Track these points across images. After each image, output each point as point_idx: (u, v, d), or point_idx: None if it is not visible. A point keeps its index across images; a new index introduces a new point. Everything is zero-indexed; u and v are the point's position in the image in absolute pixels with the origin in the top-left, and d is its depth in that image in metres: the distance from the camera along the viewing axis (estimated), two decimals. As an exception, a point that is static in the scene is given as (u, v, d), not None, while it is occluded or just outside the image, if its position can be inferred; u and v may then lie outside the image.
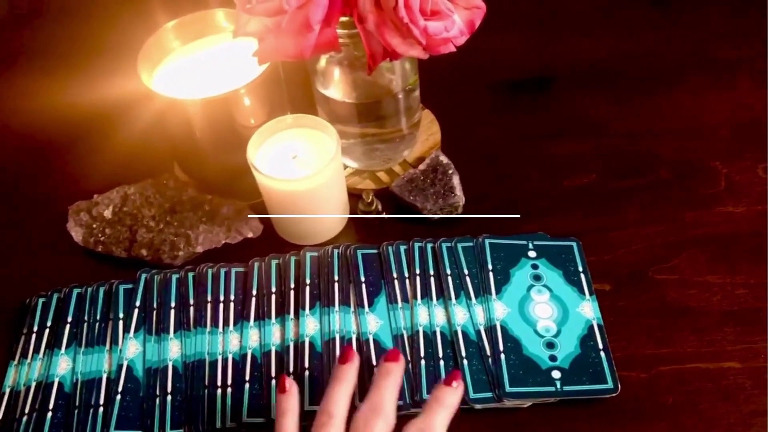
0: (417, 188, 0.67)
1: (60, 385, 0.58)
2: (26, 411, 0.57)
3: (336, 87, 0.65)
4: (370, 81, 0.64)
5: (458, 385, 0.49)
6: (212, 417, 0.55)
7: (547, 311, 0.59)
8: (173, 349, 0.59)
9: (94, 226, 0.66)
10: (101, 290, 0.63)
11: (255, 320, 0.60)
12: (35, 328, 0.62)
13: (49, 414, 0.57)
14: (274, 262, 0.64)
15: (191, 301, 0.62)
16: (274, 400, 0.55)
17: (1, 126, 0.81)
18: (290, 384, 0.50)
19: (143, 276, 0.63)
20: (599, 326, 0.58)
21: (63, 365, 0.59)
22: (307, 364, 0.57)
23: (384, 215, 0.67)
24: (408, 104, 0.67)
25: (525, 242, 0.64)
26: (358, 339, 0.59)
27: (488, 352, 0.57)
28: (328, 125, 0.62)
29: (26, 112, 0.80)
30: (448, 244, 0.64)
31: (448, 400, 0.48)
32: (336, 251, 0.64)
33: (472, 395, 0.55)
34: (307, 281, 0.62)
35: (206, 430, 0.55)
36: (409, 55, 0.54)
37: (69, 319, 0.62)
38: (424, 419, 0.47)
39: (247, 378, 0.57)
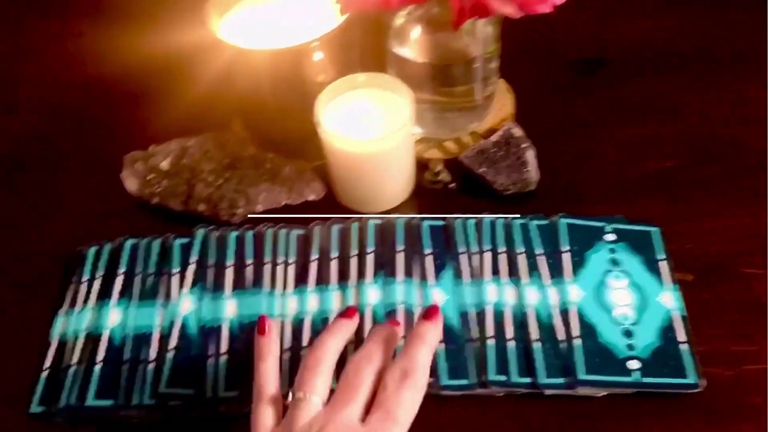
0: (488, 160, 0.63)
1: (110, 338, 0.56)
2: (73, 362, 0.55)
3: (412, 47, 0.61)
4: (447, 44, 0.61)
5: (438, 320, 0.46)
6: (267, 382, 0.53)
7: (625, 298, 0.56)
8: (229, 309, 0.57)
9: (150, 177, 0.64)
10: (155, 243, 0.61)
11: (315, 285, 0.58)
12: (85, 278, 0.60)
13: (98, 366, 0.54)
14: (335, 228, 0.61)
15: (249, 261, 0.59)
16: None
17: (64, 72, 0.79)
18: (270, 326, 0.48)
19: (200, 232, 0.61)
20: (682, 317, 0.54)
21: (113, 318, 0.57)
22: (367, 334, 0.54)
23: (451, 186, 0.64)
24: (485, 74, 0.63)
25: (602, 225, 0.60)
26: (422, 313, 0.56)
27: (561, 337, 0.54)
28: (404, 87, 0.59)
29: (92, 60, 0.78)
30: (521, 222, 0.60)
31: (428, 336, 0.45)
32: (401, 221, 0.61)
33: (542, 380, 0.52)
34: (370, 249, 0.59)
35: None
36: (501, 12, 0.50)
37: (121, 271, 0.59)
38: (408, 358, 0.44)
39: (304, 344, 0.55)
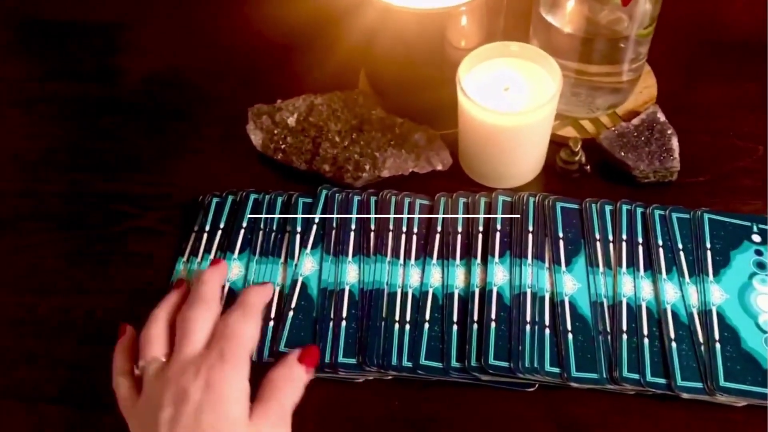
0: (629, 144, 0.60)
1: (231, 290, 0.56)
2: (194, 310, 0.55)
3: (562, 15, 0.58)
4: (600, 17, 0.57)
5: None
6: (388, 352, 0.52)
7: (772, 305, 0.52)
8: (351, 273, 0.55)
9: (276, 132, 0.63)
10: (279, 200, 0.60)
11: (438, 258, 0.56)
12: (207, 228, 0.59)
13: (271, 324, 0.54)
14: (461, 201, 0.59)
15: (372, 227, 0.58)
16: (453, 343, 0.51)
17: (208, 19, 0.78)
18: (223, 263, 0.54)
19: (324, 192, 0.60)
20: (837, 332, 0.51)
21: (235, 271, 0.57)
22: (493, 315, 0.52)
23: (587, 168, 0.61)
24: (635, 53, 0.59)
25: (749, 224, 0.56)
26: (551, 299, 0.53)
27: (701, 339, 0.51)
28: (552, 61, 0.56)
29: (237, 10, 0.77)
30: (661, 212, 0.57)
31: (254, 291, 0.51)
32: (532, 199, 0.58)
33: (679, 383, 0.49)
34: (498, 227, 0.57)
35: (380, 365, 0.51)
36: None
37: (244, 225, 0.59)
38: (240, 298, 0.50)
39: (427, 318, 0.53)
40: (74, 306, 0.57)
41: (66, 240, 0.61)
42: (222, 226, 0.59)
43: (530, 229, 0.56)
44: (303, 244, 0.57)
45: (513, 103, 0.56)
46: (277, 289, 0.55)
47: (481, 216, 0.57)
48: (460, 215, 0.58)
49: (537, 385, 0.51)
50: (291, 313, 0.54)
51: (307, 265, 0.56)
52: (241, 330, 0.47)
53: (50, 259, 0.60)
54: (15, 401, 0.53)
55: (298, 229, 0.58)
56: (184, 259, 0.58)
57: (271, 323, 0.54)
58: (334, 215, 0.58)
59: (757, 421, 0.48)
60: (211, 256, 0.57)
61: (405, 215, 0.58)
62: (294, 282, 0.55)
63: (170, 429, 0.42)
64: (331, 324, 0.53)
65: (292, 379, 0.47)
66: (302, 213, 0.59)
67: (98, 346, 0.55)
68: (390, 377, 0.52)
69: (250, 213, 0.59)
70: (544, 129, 0.58)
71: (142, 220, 0.62)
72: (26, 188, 0.65)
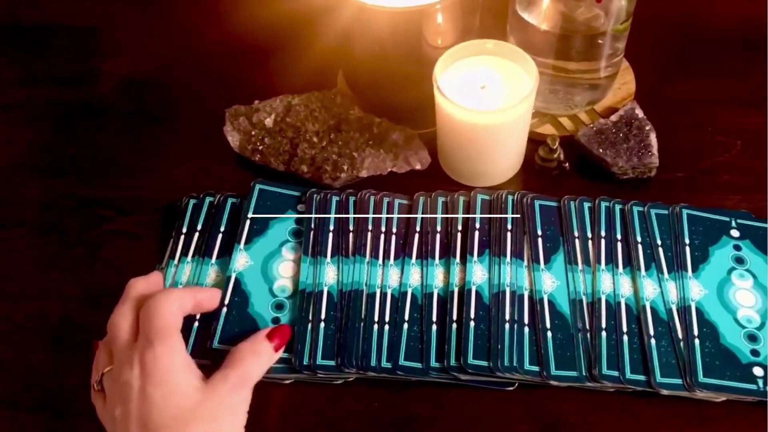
0: (608, 141, 0.60)
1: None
2: (172, 315, 0.54)
3: (539, 12, 0.58)
4: (577, 14, 0.57)
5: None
6: (367, 353, 0.51)
7: (750, 299, 0.52)
8: (329, 274, 0.55)
9: (253, 133, 0.62)
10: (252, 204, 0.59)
11: (417, 258, 0.56)
12: (184, 230, 0.59)
13: (196, 324, 0.53)
14: (440, 200, 0.59)
15: (351, 227, 0.57)
16: (432, 343, 0.51)
17: (183, 21, 0.77)
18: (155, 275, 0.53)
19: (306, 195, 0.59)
20: (815, 326, 0.51)
21: (212, 275, 0.56)
22: (473, 314, 0.52)
23: (565, 166, 0.60)
24: (612, 49, 0.59)
25: (728, 219, 0.56)
26: (531, 297, 0.53)
27: (680, 335, 0.51)
28: (528, 58, 0.55)
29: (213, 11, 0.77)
30: (640, 209, 0.57)
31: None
32: (510, 197, 0.58)
33: (659, 379, 0.49)
34: (477, 225, 0.57)
35: (360, 366, 0.51)
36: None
37: (222, 229, 0.58)
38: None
39: (406, 318, 0.53)
40: (50, 312, 0.57)
41: (42, 245, 0.61)
42: (199, 228, 0.59)
43: (509, 227, 0.56)
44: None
45: (490, 101, 0.56)
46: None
47: (460, 216, 0.57)
48: (439, 215, 0.58)
49: (517, 384, 0.51)
50: (227, 312, 0.54)
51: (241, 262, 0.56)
52: (161, 307, 0.47)
53: (26, 264, 0.60)
54: (-5, 410, 0.53)
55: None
56: (163, 263, 0.58)
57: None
58: (312, 215, 0.58)
59: (737, 417, 0.48)
60: (189, 259, 0.57)
61: (384, 215, 0.58)
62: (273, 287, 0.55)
63: (125, 425, 0.43)
64: (309, 326, 0.53)
65: (258, 352, 0.48)
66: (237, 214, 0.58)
67: (75, 353, 0.54)
68: (370, 378, 0.51)
69: (227, 217, 0.59)
70: (522, 127, 0.58)
71: (119, 224, 0.61)
72: (1, 194, 0.64)
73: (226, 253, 0.57)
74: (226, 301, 0.53)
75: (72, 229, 0.61)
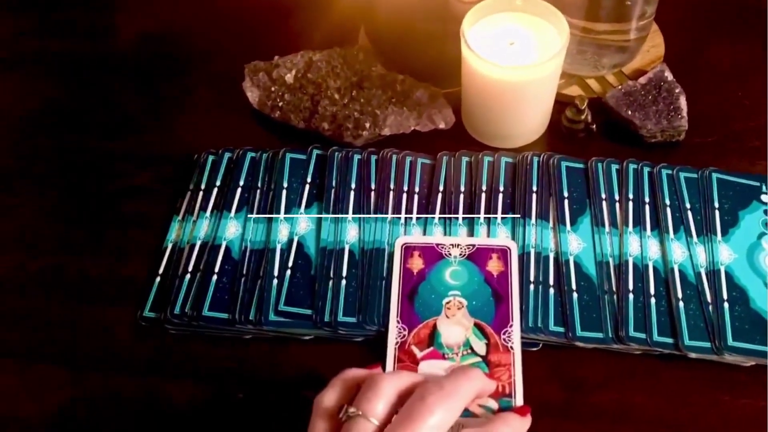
0: (636, 103, 0.58)
1: (227, 249, 0.54)
2: (189, 269, 0.53)
3: (570, -30, 0.56)
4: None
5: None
6: (389, 311, 0.50)
7: (781, 265, 0.51)
8: (351, 233, 0.54)
9: (273, 89, 0.61)
10: (277, 158, 0.58)
11: (440, 217, 0.55)
12: (203, 186, 0.58)
13: (215, 277, 0.53)
14: (464, 160, 0.57)
15: (373, 186, 0.56)
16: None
17: None
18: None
19: (315, 152, 0.58)
20: None
21: (232, 229, 0.55)
22: (497, 275, 0.51)
23: (592, 128, 0.59)
24: (643, 11, 0.58)
25: (758, 184, 0.55)
26: (556, 259, 0.52)
27: (709, 299, 0.50)
28: (559, 14, 0.54)
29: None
30: (669, 172, 0.55)
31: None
32: (536, 159, 0.57)
33: (687, 342, 0.48)
34: (501, 187, 0.55)
35: (381, 324, 0.50)
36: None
37: (241, 183, 0.57)
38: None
39: (429, 278, 0.52)
40: (66, 265, 0.56)
41: (57, 200, 0.60)
42: (218, 184, 0.58)
43: (534, 188, 0.55)
44: (299, 204, 0.56)
45: (518, 58, 0.54)
46: (276, 247, 0.54)
47: (484, 175, 0.56)
48: (463, 175, 0.56)
49: (541, 345, 0.50)
50: (289, 272, 0.53)
51: (303, 224, 0.55)
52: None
53: (41, 218, 0.59)
54: (9, 360, 0.52)
55: (296, 187, 0.57)
56: (180, 217, 0.57)
57: (272, 282, 0.52)
58: (333, 174, 0.57)
59: (764, 381, 0.48)
60: (207, 214, 0.56)
61: (406, 174, 0.57)
62: (291, 241, 0.54)
63: None
64: (330, 283, 0.52)
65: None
66: (300, 172, 0.57)
67: (92, 305, 0.54)
68: (391, 337, 0.51)
69: (246, 171, 0.58)
70: (550, 85, 0.56)
71: (135, 179, 0.60)
72: (15, 148, 0.63)
73: (244, 207, 0.56)
74: (290, 264, 0.53)
75: (88, 183, 0.60)
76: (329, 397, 0.41)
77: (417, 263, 0.52)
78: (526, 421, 0.43)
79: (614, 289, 0.51)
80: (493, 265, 0.51)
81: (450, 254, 0.52)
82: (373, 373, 0.42)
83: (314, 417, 0.41)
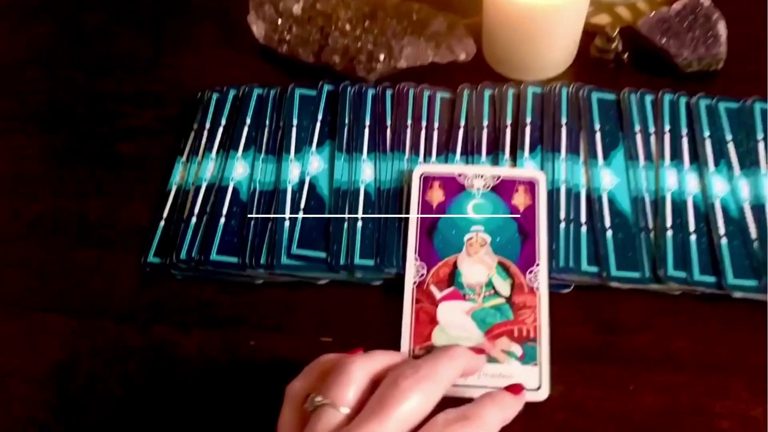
0: (671, 30, 0.54)
1: (235, 191, 0.51)
2: (195, 212, 0.50)
3: None
4: None
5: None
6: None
7: (830, 199, 0.48)
8: (366, 172, 0.51)
9: (280, 22, 0.57)
10: (285, 95, 0.54)
11: (462, 155, 0.51)
12: (207, 125, 0.54)
13: (222, 220, 0.50)
14: (487, 92, 0.53)
15: (388, 122, 0.53)
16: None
17: None
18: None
19: (325, 87, 0.54)
20: None
21: (239, 170, 0.52)
22: (524, 213, 0.48)
23: (624, 57, 0.55)
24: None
25: (805, 114, 0.51)
26: (588, 195, 0.49)
27: (753, 235, 0.46)
28: (590, -71, 0.50)
29: None
30: (708, 102, 0.52)
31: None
32: (565, 90, 0.53)
33: (731, 280, 0.45)
34: (528, 120, 0.52)
35: (401, 267, 0.47)
36: None
37: (248, 121, 0.54)
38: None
39: (451, 217, 0.49)
40: (66, 210, 0.53)
41: (55, 142, 0.56)
42: (223, 123, 0.54)
43: (563, 121, 0.51)
44: (310, 142, 0.52)
45: (545, -20, 0.50)
46: (288, 188, 0.50)
47: (509, 109, 0.52)
48: (486, 108, 0.53)
49: (573, 287, 0.47)
50: (303, 214, 0.49)
51: (315, 164, 0.51)
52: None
53: (39, 162, 0.55)
54: (6, 309, 0.49)
55: (306, 125, 0.53)
56: (183, 158, 0.53)
57: (284, 224, 0.49)
58: (346, 111, 0.53)
59: (814, 321, 0.44)
60: (213, 154, 0.52)
61: (424, 109, 0.53)
62: (302, 182, 0.50)
63: None
64: (345, 225, 0.49)
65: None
66: (311, 108, 0.54)
67: (92, 251, 0.51)
68: (411, 280, 0.47)
69: (253, 109, 0.54)
70: (578, 12, 0.52)
71: (135, 120, 0.57)
72: (7, 88, 0.60)
73: (252, 146, 0.52)
74: (302, 206, 0.50)
75: (86, 125, 0.57)
76: (298, 384, 0.38)
77: (437, 195, 0.48)
78: (519, 401, 0.39)
79: (651, 225, 0.47)
80: (520, 199, 0.48)
81: (473, 186, 0.48)
82: (343, 357, 0.38)
83: (284, 406, 0.37)
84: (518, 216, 0.47)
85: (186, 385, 0.45)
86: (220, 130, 0.54)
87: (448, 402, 0.36)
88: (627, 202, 0.48)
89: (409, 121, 0.53)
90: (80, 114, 0.57)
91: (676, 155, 0.49)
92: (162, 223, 0.51)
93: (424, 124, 0.52)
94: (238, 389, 0.45)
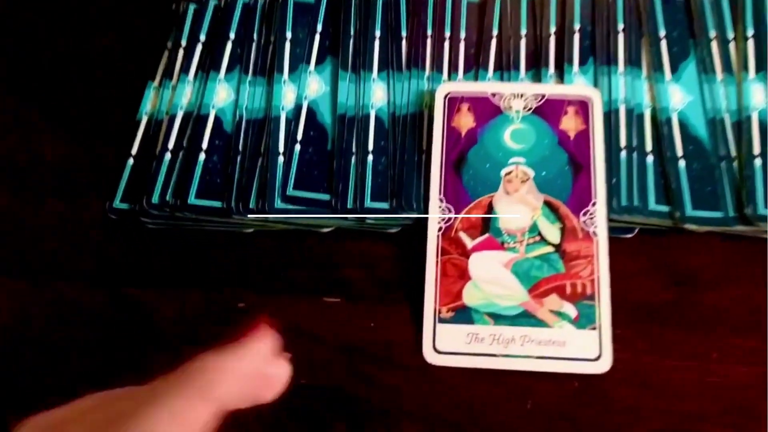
0: None
1: (217, 120, 0.42)
2: (170, 147, 0.41)
3: None
4: None
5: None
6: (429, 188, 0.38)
7: None
8: (377, 94, 0.41)
9: None
10: (276, 3, 0.45)
11: (495, 71, 0.42)
12: (183, 43, 0.45)
13: (202, 156, 0.41)
14: (524, -5, 0.44)
15: (403, 33, 0.43)
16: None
17: None
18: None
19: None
20: None
21: (222, 95, 0.43)
22: (574, 141, 0.39)
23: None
24: None
25: None
26: (654, 117, 0.39)
27: None
28: None
29: None
30: (801, -1, 0.42)
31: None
32: (620, -10, 0.43)
33: (836, 219, 0.36)
34: (576, 27, 0.42)
35: (422, 209, 0.38)
36: None
37: (231, 36, 0.44)
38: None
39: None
40: (17, 149, 0.44)
41: (8, 71, 0.47)
42: (203, 39, 0.45)
43: (620, 27, 0.41)
44: (307, 59, 0.43)
45: None
46: (281, 116, 0.41)
47: (552, 13, 0.42)
48: (524, 14, 0.43)
49: (637, 230, 0.38)
50: (300, 148, 0.40)
51: (313, 86, 0.42)
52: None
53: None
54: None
55: (301, 39, 0.43)
56: (155, 83, 0.44)
57: (278, 159, 0.40)
58: (350, 20, 0.43)
59: None
60: (190, 77, 0.43)
61: (448, 17, 0.43)
62: (299, 107, 0.41)
63: None
64: (353, 159, 0.39)
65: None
66: (307, 19, 0.44)
67: (49, 198, 0.42)
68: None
69: (238, 22, 0.44)
70: None
71: (98, 39, 0.47)
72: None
73: (237, 66, 0.43)
74: (299, 137, 0.41)
75: (40, 46, 0.47)
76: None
77: (466, 120, 0.39)
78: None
79: (734, 153, 0.38)
80: (570, 123, 0.38)
81: (511, 108, 0.39)
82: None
83: None
84: (568, 144, 0.38)
85: (162, 356, 0.37)
86: (199, 47, 0.44)
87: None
88: (702, 125, 0.39)
89: (430, 31, 0.43)
90: (33, 33, 0.48)
91: (762, 65, 0.40)
92: (130, 161, 0.42)
93: (447, 34, 0.43)
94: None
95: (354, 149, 0.40)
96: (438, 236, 0.37)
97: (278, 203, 0.39)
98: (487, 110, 0.39)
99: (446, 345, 0.35)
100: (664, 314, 0.36)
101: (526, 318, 0.35)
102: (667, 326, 0.35)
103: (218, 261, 0.39)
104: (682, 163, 0.38)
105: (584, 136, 0.38)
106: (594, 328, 0.35)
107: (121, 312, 0.39)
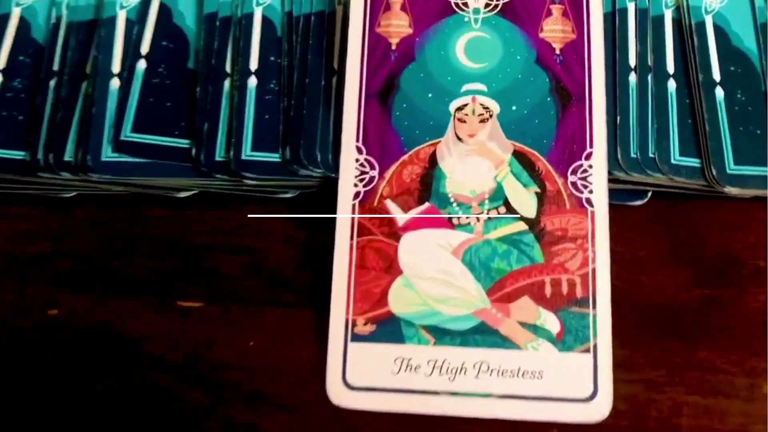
0: None
1: (24, 23, 0.28)
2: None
3: None
4: None
5: None
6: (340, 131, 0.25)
7: None
8: (264, -18, 0.28)
9: None
10: None
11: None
12: None
13: (-3, 79, 0.27)
14: None
15: None
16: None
17: None
18: None
19: None
20: None
21: (27, -16, 0.29)
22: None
23: None
24: None
25: None
26: (679, 21, 0.27)
27: None
28: None
29: None
30: None
31: None
32: None
33: None
34: None
35: (329, 162, 0.25)
36: None
37: None
38: None
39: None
40: None
41: None
42: None
43: None
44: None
45: None
46: (119, 17, 0.27)
47: None
48: None
49: (650, 194, 0.25)
50: (145, 65, 0.27)
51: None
52: None
53: None
54: None
55: None
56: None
57: (111, 84, 0.26)
58: None
59: None
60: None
61: None
62: (148, 3, 0.27)
63: None
64: (226, 85, 0.26)
65: None
66: None
67: None
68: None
69: None
70: None
71: None
72: None
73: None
74: (144, 50, 0.28)
75: None
76: None
77: (398, 24, 0.26)
78: None
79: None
80: (553, 27, 0.25)
81: (467, 4, 0.26)
82: None
83: None
84: (552, 62, 0.25)
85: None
86: None
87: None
88: (751, 34, 0.26)
89: None
90: None
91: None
92: None
93: None
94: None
95: (228, 68, 0.26)
96: (353, 205, 0.24)
97: (108, 152, 0.26)
98: (431, 8, 0.26)
99: (362, 377, 0.23)
100: (693, 324, 0.24)
101: (483, 334, 0.23)
102: (697, 342, 0.24)
103: (29, 237, 0.26)
104: (719, 94, 0.25)
105: (576, 49, 0.25)
106: (587, 350, 0.23)
107: None
